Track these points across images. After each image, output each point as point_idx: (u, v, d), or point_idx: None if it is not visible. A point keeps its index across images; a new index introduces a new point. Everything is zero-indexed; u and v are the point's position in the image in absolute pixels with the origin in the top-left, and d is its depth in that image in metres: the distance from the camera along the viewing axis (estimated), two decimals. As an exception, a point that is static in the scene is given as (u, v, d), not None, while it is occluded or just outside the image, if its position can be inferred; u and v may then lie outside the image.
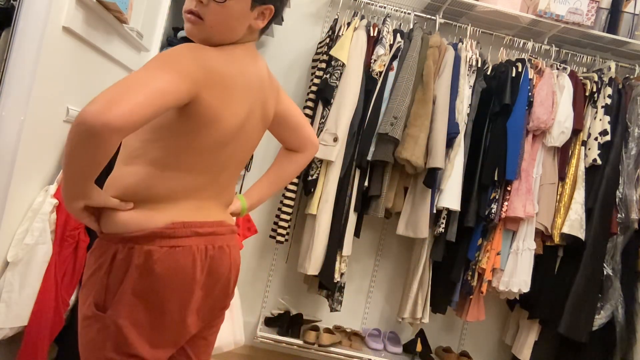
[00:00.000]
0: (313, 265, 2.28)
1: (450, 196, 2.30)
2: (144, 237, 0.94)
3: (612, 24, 2.51)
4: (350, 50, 2.32)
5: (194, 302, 1.00)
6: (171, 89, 0.83)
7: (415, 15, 2.57)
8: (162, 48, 2.36)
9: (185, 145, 0.96)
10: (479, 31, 2.57)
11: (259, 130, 1.12)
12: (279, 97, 1.18)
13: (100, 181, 1.31)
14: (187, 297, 0.98)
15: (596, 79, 2.43)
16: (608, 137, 2.36)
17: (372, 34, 2.39)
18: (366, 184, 2.36)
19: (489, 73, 2.43)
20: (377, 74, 2.35)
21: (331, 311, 2.43)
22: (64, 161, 0.83)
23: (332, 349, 2.46)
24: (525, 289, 2.35)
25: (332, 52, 2.33)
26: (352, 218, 2.36)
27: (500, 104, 2.33)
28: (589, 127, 2.41)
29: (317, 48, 2.56)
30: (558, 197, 2.40)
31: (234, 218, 1.18)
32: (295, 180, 2.39)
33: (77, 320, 1.00)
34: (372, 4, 2.61)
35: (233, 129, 1.00)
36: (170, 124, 0.94)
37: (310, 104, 2.40)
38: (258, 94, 1.07)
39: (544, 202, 2.37)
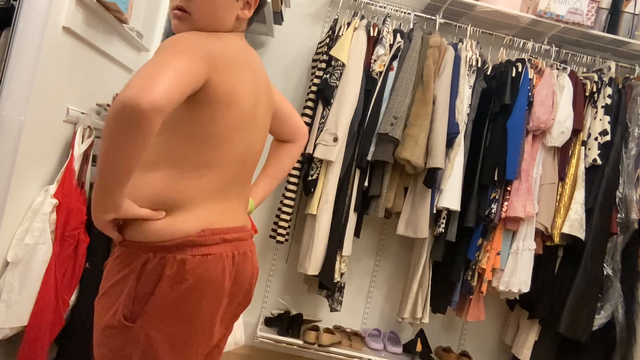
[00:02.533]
0: (313, 265, 2.28)
1: (450, 196, 2.30)
2: (176, 246, 0.91)
3: (612, 24, 2.51)
4: (350, 50, 2.32)
5: (221, 310, 0.99)
6: (190, 69, 0.84)
7: (415, 15, 2.57)
8: (162, 48, 2.36)
9: (206, 135, 0.94)
10: (479, 31, 2.57)
11: (268, 119, 1.12)
12: (271, 90, 1.19)
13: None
14: (217, 306, 0.97)
15: (596, 79, 2.43)
16: (608, 137, 2.36)
17: (372, 34, 2.39)
18: (366, 184, 2.36)
19: (489, 73, 2.43)
20: (377, 74, 2.35)
21: (331, 311, 2.43)
22: (101, 161, 0.81)
23: (332, 349, 2.46)
24: (525, 289, 2.35)
25: (332, 52, 2.33)
26: (352, 218, 2.36)
27: (500, 104, 2.33)
28: (589, 127, 2.41)
29: (317, 48, 2.56)
30: (558, 197, 2.40)
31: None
32: (295, 181, 2.39)
33: (77, 320, 0.99)
34: (372, 4, 2.61)
35: (248, 110, 0.99)
36: (189, 115, 0.93)
37: (310, 104, 2.40)
38: (260, 79, 1.07)
39: (544, 202, 2.37)
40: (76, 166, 1.63)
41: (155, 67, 0.80)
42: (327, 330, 2.59)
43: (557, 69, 2.49)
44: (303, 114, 2.39)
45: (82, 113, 1.73)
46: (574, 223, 2.32)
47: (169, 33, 2.45)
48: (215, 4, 0.99)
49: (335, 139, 2.25)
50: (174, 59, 0.83)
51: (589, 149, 2.39)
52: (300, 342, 2.47)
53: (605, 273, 2.37)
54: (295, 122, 1.28)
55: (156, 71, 0.79)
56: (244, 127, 1.00)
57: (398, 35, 2.40)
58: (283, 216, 2.38)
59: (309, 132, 2.20)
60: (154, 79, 0.77)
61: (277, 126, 1.26)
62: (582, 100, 2.42)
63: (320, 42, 2.56)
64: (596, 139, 2.37)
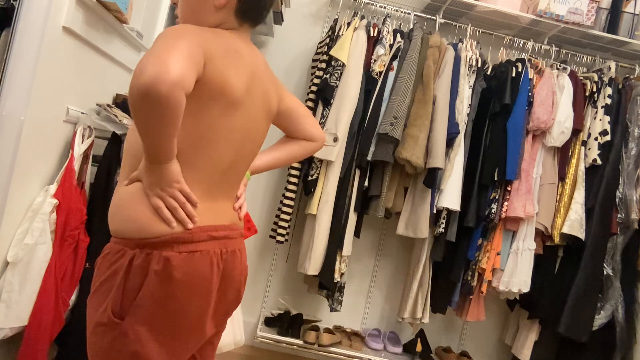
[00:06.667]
0: (313, 265, 2.28)
1: (450, 196, 2.30)
2: (162, 243, 0.91)
3: (612, 24, 2.51)
4: (350, 50, 2.32)
5: (211, 307, 0.99)
6: (194, 49, 0.85)
7: (415, 15, 2.57)
8: (162, 48, 2.36)
9: (195, 136, 0.93)
10: (479, 31, 2.57)
11: (264, 120, 1.10)
12: (282, 95, 1.18)
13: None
14: (206, 303, 0.97)
15: (596, 79, 2.43)
16: (608, 137, 2.36)
17: (372, 34, 2.39)
18: (366, 184, 2.36)
19: (489, 73, 2.43)
20: (377, 74, 2.35)
21: (331, 311, 2.43)
22: (142, 138, 0.84)
23: (332, 349, 2.46)
24: (525, 289, 2.35)
25: (332, 52, 2.33)
26: (352, 218, 2.36)
27: (500, 104, 2.33)
28: (589, 127, 2.41)
29: (317, 48, 2.56)
30: (558, 197, 2.40)
31: (242, 221, 1.16)
32: (295, 181, 2.39)
33: (77, 320, 0.99)
34: (372, 4, 2.61)
35: (239, 105, 0.98)
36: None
37: (310, 104, 2.40)
38: (262, 79, 1.06)
39: (544, 202, 2.37)
40: (76, 166, 1.63)
41: (162, 49, 0.80)
42: (327, 330, 2.59)
43: (557, 69, 2.49)
44: (303, 114, 2.39)
45: (82, 113, 1.73)
46: (574, 223, 2.32)
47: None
48: (188, 2, 1.03)
49: (335, 139, 2.25)
50: (177, 41, 0.83)
51: (589, 149, 2.39)
52: (300, 342, 2.47)
53: (605, 273, 2.36)
54: (312, 126, 1.26)
55: (164, 52, 0.79)
56: (234, 126, 0.99)
57: (398, 35, 2.40)
58: (283, 216, 2.38)
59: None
60: (165, 59, 0.78)
61: (291, 130, 1.25)
62: (582, 100, 2.42)
63: (320, 42, 2.56)
64: (596, 139, 2.37)
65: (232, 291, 1.04)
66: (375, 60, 2.36)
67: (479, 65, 2.40)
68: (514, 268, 2.36)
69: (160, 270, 0.90)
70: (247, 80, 1.00)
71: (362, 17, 2.45)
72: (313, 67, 2.53)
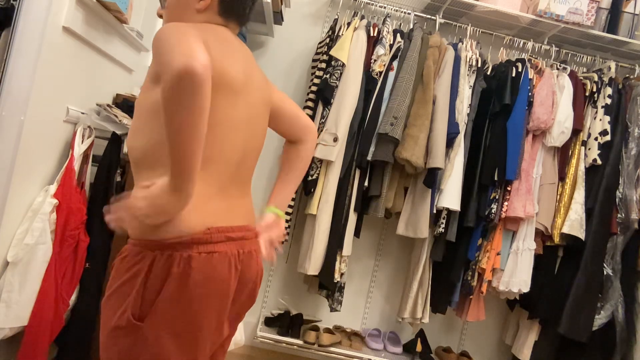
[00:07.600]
0: (313, 265, 2.28)
1: (450, 196, 2.30)
2: (182, 244, 0.91)
3: (612, 24, 2.51)
4: (350, 50, 2.32)
5: (228, 308, 0.99)
6: (199, 39, 0.85)
7: (415, 15, 2.57)
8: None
9: (208, 122, 0.92)
10: (479, 31, 2.57)
11: (264, 111, 1.11)
12: (271, 90, 1.19)
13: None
14: (224, 303, 0.97)
15: (596, 79, 2.43)
16: (608, 137, 2.36)
17: (372, 34, 2.39)
18: (366, 184, 2.36)
19: (489, 73, 2.43)
20: (377, 74, 2.35)
21: (331, 311, 2.43)
22: (178, 142, 0.80)
23: (332, 349, 2.46)
24: (525, 289, 2.35)
25: (332, 52, 2.33)
26: (352, 218, 2.36)
27: (500, 104, 2.33)
28: (589, 127, 2.41)
29: (317, 48, 2.56)
30: (558, 197, 2.40)
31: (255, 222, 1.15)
32: (295, 180, 2.39)
33: (77, 320, 0.98)
34: (372, 4, 2.61)
35: (240, 93, 0.99)
36: None
37: (310, 104, 2.40)
38: (253, 69, 1.08)
39: (544, 202, 2.37)
40: (76, 166, 1.63)
41: (177, 43, 0.80)
42: (327, 330, 2.59)
43: (557, 69, 2.49)
44: (303, 114, 2.38)
45: (82, 113, 1.73)
46: (574, 223, 2.32)
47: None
48: (173, 9, 1.06)
49: (335, 139, 2.25)
50: (184, 35, 0.83)
51: (589, 149, 2.39)
52: (300, 342, 2.47)
53: (605, 273, 2.36)
54: (302, 120, 1.26)
55: (183, 43, 0.80)
56: (239, 117, 1.00)
57: (398, 35, 2.40)
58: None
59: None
60: (188, 47, 0.78)
61: (283, 126, 1.25)
62: (582, 100, 2.42)
63: (320, 42, 2.56)
64: (596, 139, 2.37)
65: (246, 292, 1.05)
66: (375, 60, 2.36)
67: (479, 65, 2.40)
68: (514, 268, 2.36)
69: (181, 273, 0.90)
70: (243, 69, 1.02)
71: (362, 17, 2.45)
72: (313, 67, 2.53)
